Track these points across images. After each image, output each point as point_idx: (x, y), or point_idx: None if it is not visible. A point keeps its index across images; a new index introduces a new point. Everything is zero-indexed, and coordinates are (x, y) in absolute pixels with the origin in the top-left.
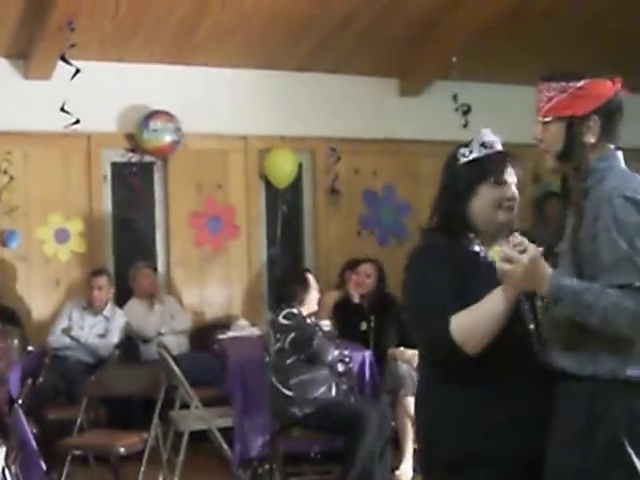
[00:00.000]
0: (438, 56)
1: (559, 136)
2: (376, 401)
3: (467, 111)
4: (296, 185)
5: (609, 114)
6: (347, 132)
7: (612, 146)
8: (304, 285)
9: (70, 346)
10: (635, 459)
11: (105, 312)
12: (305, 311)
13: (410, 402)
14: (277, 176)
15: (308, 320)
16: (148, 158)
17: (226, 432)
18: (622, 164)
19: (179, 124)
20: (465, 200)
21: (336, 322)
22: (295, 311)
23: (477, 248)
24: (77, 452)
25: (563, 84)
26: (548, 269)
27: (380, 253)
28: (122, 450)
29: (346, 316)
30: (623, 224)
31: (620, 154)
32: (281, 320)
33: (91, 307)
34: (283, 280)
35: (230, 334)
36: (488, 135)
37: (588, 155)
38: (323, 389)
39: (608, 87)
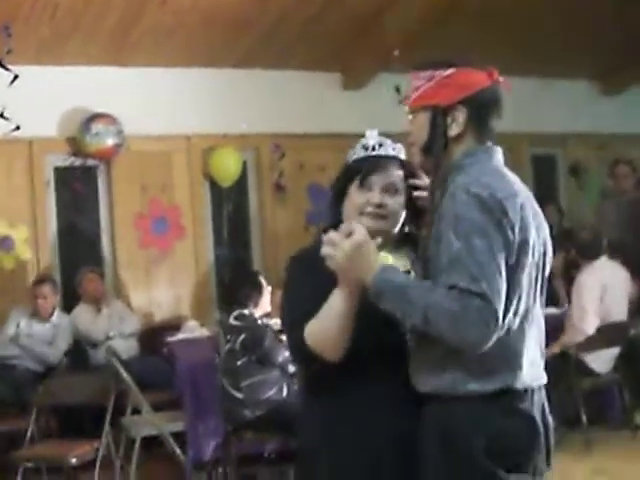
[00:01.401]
0: (379, 48)
1: (424, 127)
2: None
3: None
4: (241, 183)
5: (480, 106)
6: (291, 128)
7: (489, 142)
8: (257, 288)
9: (18, 355)
10: (501, 474)
11: (53, 319)
12: (257, 313)
13: None
14: (222, 175)
15: (259, 321)
16: (91, 162)
17: (179, 436)
18: (494, 161)
19: (121, 126)
20: (339, 201)
21: None
22: (246, 312)
23: None
24: (29, 464)
25: (430, 72)
26: (377, 262)
27: None
28: (74, 460)
29: None
30: (462, 221)
31: (497, 150)
32: (231, 321)
33: (38, 315)
34: (234, 284)
35: (180, 336)
36: (372, 138)
37: (451, 148)
38: (274, 390)
39: (480, 78)
